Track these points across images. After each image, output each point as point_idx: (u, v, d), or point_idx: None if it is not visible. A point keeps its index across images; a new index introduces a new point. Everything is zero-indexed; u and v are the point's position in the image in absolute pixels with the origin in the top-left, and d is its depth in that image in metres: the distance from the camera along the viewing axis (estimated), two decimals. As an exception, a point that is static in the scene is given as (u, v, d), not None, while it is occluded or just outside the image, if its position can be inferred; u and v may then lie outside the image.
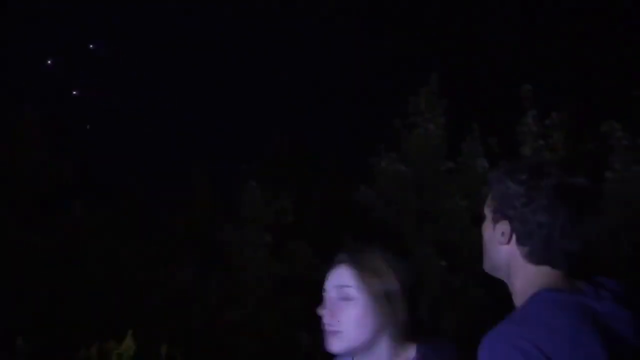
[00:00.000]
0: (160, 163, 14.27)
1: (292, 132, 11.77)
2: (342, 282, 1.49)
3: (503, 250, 1.27)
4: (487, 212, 1.31)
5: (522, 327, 1.11)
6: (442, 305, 6.66)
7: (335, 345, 1.46)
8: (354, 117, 13.56)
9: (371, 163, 8.01)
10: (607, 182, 6.92)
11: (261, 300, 8.24)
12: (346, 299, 1.47)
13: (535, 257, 1.22)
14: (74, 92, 18.55)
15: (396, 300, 1.45)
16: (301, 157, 11.03)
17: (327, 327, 1.48)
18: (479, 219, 1.37)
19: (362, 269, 1.47)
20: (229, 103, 16.52)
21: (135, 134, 16.38)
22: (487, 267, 1.34)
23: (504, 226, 1.26)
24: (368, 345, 1.44)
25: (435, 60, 10.99)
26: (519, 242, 1.24)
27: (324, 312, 1.51)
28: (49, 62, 17.77)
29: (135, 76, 17.92)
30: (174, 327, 8.04)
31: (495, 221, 1.28)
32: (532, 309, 1.17)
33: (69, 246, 8.59)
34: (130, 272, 8.68)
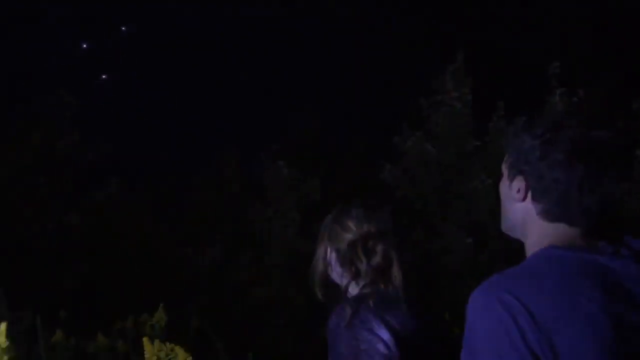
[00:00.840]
0: (190, 145, 14.51)
1: (318, 112, 11.82)
2: None
3: (519, 208, 1.22)
4: (504, 168, 1.26)
5: (508, 280, 1.08)
6: (467, 283, 6.71)
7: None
8: (379, 96, 13.52)
9: (397, 142, 8.03)
10: (639, 160, 6.84)
11: (289, 276, 8.39)
12: None
13: (551, 214, 1.17)
14: (103, 77, 18.84)
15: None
16: (327, 137, 11.08)
17: None
18: None
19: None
20: (256, 85, 16.62)
21: (167, 117, 16.64)
22: (504, 226, 1.30)
23: (519, 182, 1.20)
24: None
25: (460, 37, 10.87)
26: (535, 198, 1.19)
27: None
28: (83, 46, 18.07)
29: (166, 62, 18.14)
30: (204, 302, 8.25)
31: (511, 178, 1.23)
32: (527, 263, 1.14)
33: (105, 225, 8.86)
34: (162, 249, 8.92)
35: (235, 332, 7.93)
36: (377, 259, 1.64)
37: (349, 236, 1.68)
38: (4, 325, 1.78)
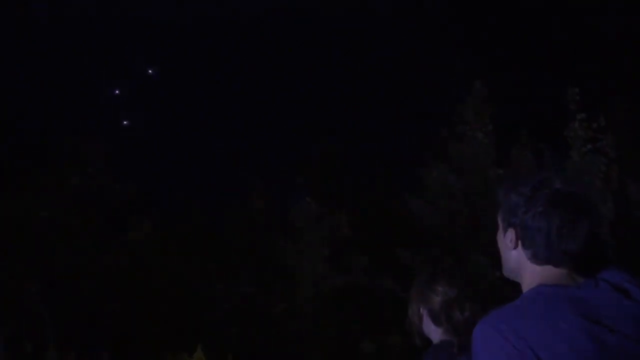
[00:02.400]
0: (218, 182, 14.82)
1: (342, 145, 11.99)
2: None
3: (513, 255, 1.39)
4: (499, 221, 1.50)
5: (502, 312, 1.26)
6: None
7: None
8: (403, 127, 13.68)
9: (421, 174, 8.17)
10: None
11: (321, 310, 8.50)
12: None
13: (538, 258, 1.35)
14: (125, 122, 19.39)
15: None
16: (351, 169, 11.23)
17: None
18: None
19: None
20: (278, 123, 16.98)
21: (194, 156, 17.06)
22: (504, 272, 1.52)
23: (511, 233, 1.38)
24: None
25: (479, 65, 11.02)
26: (524, 246, 1.37)
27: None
28: (116, 92, 18.71)
29: (190, 100, 18.67)
30: (238, 338, 8.40)
31: (504, 229, 1.40)
32: (519, 299, 1.32)
33: (138, 264, 9.11)
34: (194, 286, 9.11)
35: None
36: (467, 315, 2.02)
37: (438, 299, 2.10)
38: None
